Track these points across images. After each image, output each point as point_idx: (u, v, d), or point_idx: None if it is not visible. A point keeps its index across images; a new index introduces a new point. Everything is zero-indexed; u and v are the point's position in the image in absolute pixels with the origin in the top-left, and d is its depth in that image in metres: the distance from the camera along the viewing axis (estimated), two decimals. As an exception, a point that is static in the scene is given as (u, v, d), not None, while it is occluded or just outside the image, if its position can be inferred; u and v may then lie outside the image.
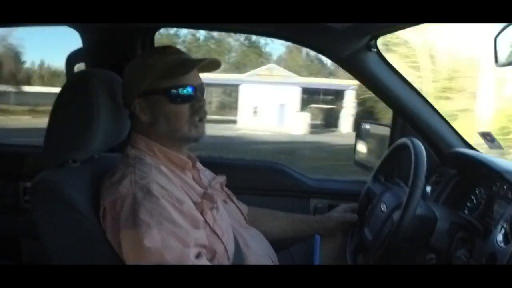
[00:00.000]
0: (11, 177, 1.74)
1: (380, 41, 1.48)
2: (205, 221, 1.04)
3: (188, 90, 1.07)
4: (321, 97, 20.54)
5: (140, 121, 1.10)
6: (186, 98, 1.08)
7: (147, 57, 1.12)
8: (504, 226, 1.00)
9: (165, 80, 1.06)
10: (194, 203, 1.05)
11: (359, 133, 1.80)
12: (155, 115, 1.08)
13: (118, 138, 1.19)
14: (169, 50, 1.11)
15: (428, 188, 1.48)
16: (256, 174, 1.75)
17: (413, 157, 1.14)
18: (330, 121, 19.79)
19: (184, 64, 1.08)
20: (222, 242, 1.07)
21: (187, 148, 1.17)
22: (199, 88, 1.10)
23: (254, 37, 22.42)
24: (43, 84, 21.31)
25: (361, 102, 15.30)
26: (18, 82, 19.80)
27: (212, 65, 1.13)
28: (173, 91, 1.06)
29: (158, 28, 1.68)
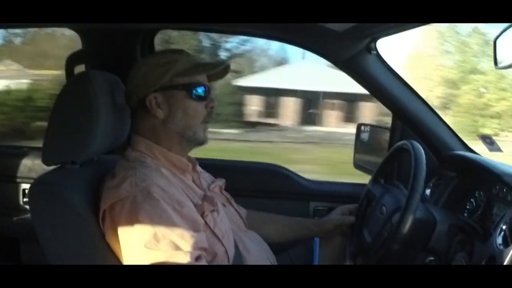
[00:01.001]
0: (10, 178, 1.74)
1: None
2: (206, 223, 1.04)
3: (205, 89, 1.12)
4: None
5: (149, 119, 1.10)
6: (203, 97, 1.12)
7: (164, 55, 1.13)
8: (504, 228, 1.00)
9: (186, 76, 1.10)
10: (195, 205, 1.05)
11: (359, 136, 1.80)
12: (173, 109, 1.09)
13: (118, 139, 1.19)
14: (184, 52, 1.14)
15: (428, 191, 1.47)
16: (255, 176, 1.75)
17: (412, 160, 1.13)
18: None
19: (205, 64, 1.14)
20: (223, 245, 1.07)
21: (189, 151, 1.17)
22: (210, 90, 1.14)
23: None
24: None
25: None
26: None
27: (225, 71, 1.18)
28: (194, 87, 1.10)
29: (157, 30, 1.68)
